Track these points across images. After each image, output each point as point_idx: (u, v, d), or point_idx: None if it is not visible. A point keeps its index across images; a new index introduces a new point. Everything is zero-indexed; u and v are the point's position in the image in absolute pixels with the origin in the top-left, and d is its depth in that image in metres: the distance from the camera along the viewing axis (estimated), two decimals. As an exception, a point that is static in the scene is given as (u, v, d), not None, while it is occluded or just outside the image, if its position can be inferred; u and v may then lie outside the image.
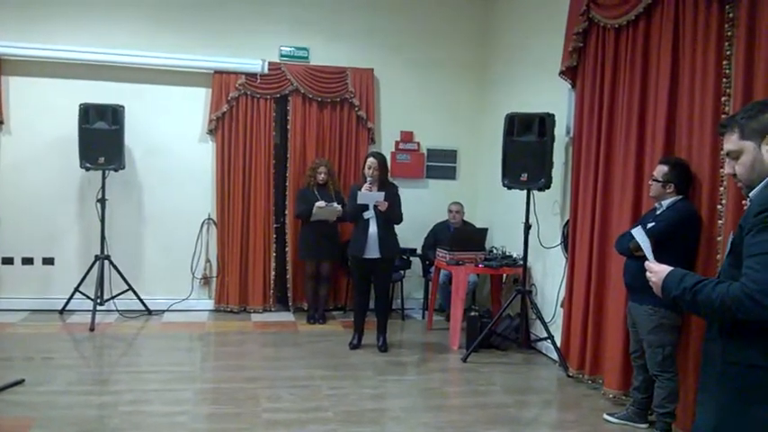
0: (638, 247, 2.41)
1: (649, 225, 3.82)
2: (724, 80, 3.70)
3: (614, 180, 4.66)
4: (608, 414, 4.23)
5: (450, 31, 7.22)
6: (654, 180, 3.95)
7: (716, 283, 1.92)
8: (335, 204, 6.33)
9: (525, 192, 5.47)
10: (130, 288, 6.45)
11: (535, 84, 5.99)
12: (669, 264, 2.13)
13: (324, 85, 6.85)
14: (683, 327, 3.92)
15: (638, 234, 2.38)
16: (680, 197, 3.88)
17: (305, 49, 6.92)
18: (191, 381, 4.72)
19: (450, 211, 6.81)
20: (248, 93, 6.73)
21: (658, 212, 3.92)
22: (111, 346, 5.59)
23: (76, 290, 6.31)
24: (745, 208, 2.12)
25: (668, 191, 3.88)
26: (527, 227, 5.48)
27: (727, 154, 2.07)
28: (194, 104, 6.77)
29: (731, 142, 2.04)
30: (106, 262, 6.30)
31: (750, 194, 2.02)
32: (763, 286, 1.81)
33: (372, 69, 7.00)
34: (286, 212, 6.90)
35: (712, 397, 2.03)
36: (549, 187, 5.34)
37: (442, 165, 7.35)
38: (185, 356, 5.46)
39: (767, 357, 1.89)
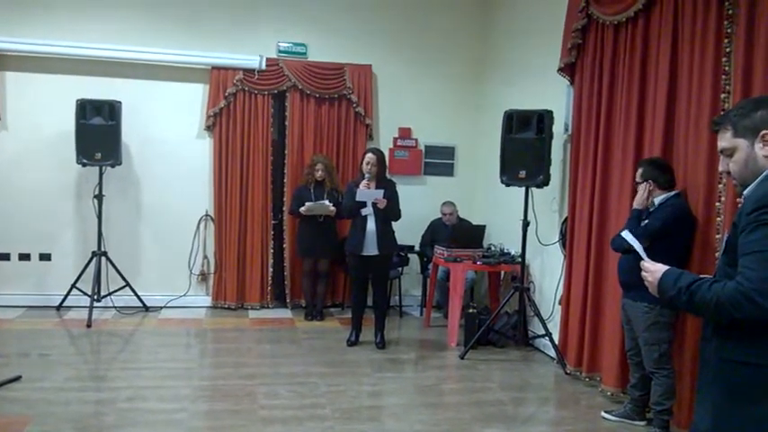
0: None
1: (643, 223, 3.83)
2: (723, 77, 3.69)
3: (612, 177, 4.65)
4: (605, 411, 4.23)
5: (448, 26, 7.19)
6: (636, 183, 4.01)
7: (711, 283, 1.92)
8: (325, 202, 6.30)
9: (523, 189, 5.47)
10: (127, 284, 6.45)
11: (534, 80, 5.97)
12: (663, 260, 2.12)
13: (322, 81, 6.82)
14: (679, 324, 3.92)
15: (628, 236, 2.41)
16: (672, 193, 3.88)
17: (303, 45, 6.91)
18: (188, 377, 4.72)
19: (443, 214, 6.76)
20: (246, 89, 6.71)
21: (651, 209, 3.93)
22: (108, 343, 5.59)
23: (73, 286, 6.30)
24: (739, 206, 2.11)
25: (650, 188, 3.90)
26: (525, 224, 5.48)
27: (721, 151, 2.07)
28: (192, 100, 6.75)
29: (724, 140, 2.04)
30: (103, 258, 6.29)
31: (744, 192, 2.01)
32: (759, 284, 1.80)
33: (371, 65, 6.98)
34: (284, 209, 6.87)
35: (709, 396, 2.03)
36: (547, 184, 5.34)
37: (440, 161, 7.33)
38: (182, 353, 5.46)
39: (762, 355, 1.88)
